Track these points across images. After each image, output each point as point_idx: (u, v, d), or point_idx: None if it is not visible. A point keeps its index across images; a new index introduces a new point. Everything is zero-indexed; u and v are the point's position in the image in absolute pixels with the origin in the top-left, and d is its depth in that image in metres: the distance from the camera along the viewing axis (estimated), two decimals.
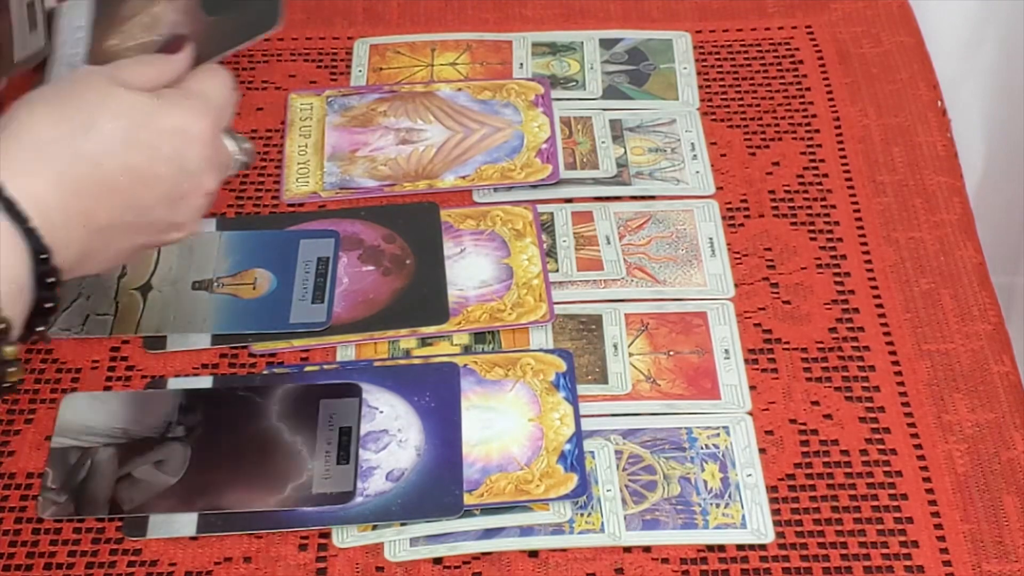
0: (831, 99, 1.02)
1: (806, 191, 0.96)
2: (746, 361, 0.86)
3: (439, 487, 0.79)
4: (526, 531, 0.78)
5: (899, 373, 0.85)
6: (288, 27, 1.08)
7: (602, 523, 0.79)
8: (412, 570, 0.77)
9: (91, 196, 0.71)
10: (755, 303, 0.89)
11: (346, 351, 0.87)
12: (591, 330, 0.88)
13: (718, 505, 0.79)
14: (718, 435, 0.82)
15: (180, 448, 0.81)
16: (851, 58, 1.05)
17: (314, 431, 0.82)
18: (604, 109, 1.01)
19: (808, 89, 1.02)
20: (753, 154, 0.98)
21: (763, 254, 0.92)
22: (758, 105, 1.01)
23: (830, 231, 0.93)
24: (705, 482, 0.80)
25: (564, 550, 0.78)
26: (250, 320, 0.88)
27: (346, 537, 0.78)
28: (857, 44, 1.06)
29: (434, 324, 0.88)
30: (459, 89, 1.02)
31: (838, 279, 0.90)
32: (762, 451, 0.82)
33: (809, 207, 0.95)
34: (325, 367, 0.86)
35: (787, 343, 0.87)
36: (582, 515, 0.79)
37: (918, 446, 0.82)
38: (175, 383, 0.85)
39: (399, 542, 0.78)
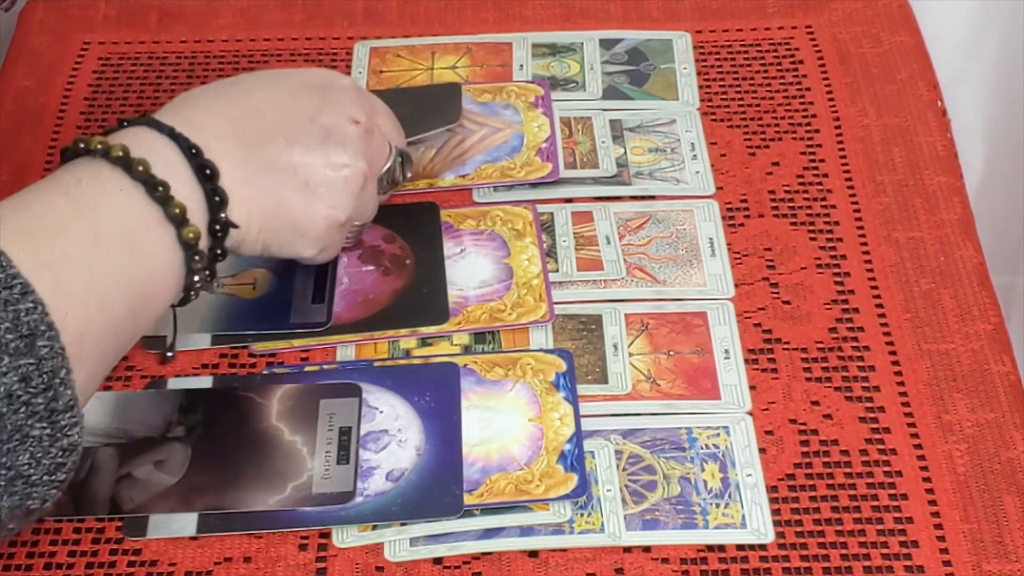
0: (831, 99, 1.02)
1: (806, 191, 0.96)
2: (746, 361, 0.86)
3: (439, 487, 0.79)
4: (526, 531, 0.78)
5: (899, 373, 0.85)
6: (288, 27, 1.08)
7: (602, 523, 0.79)
8: (412, 570, 0.77)
9: (241, 117, 0.80)
10: (755, 303, 0.89)
11: (346, 351, 0.87)
12: (591, 330, 0.88)
13: (718, 505, 0.79)
14: (718, 435, 0.82)
15: (180, 448, 0.81)
16: (851, 58, 1.05)
17: (314, 431, 0.82)
18: (604, 109, 1.01)
19: (808, 89, 1.03)
20: (753, 154, 0.98)
21: (763, 254, 0.92)
22: (758, 105, 1.01)
23: (830, 231, 0.93)
24: (705, 482, 0.80)
25: (564, 550, 0.78)
26: (250, 320, 0.88)
27: (346, 537, 0.78)
28: (857, 44, 1.06)
29: (434, 324, 0.88)
30: None
31: (838, 279, 0.90)
32: (762, 451, 0.82)
33: (809, 207, 0.95)
34: (325, 367, 0.86)
35: (787, 343, 0.87)
36: (582, 515, 0.79)
37: (918, 446, 0.82)
38: (175, 383, 0.85)
39: (399, 542, 0.78)
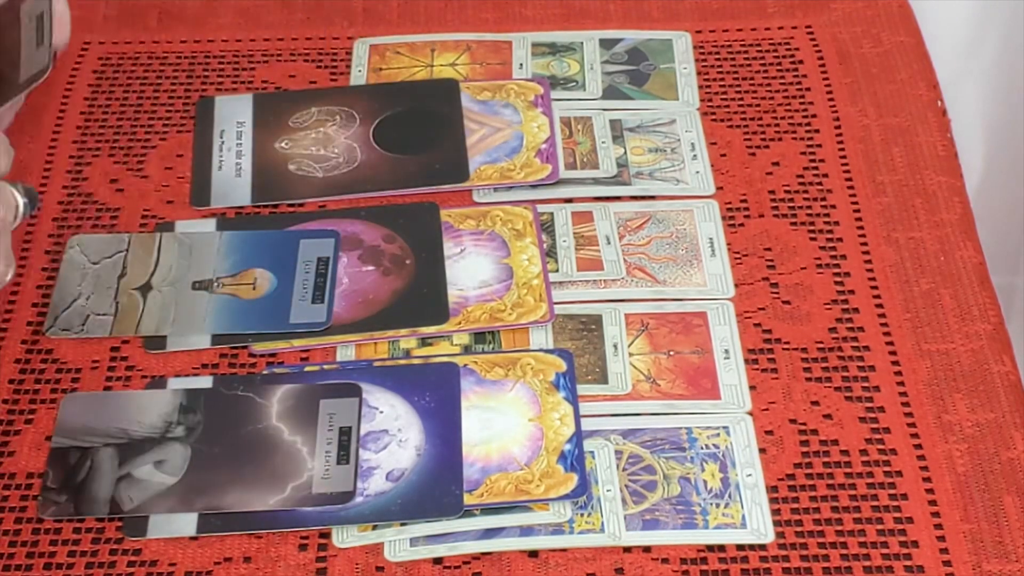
0: (831, 99, 1.02)
1: (806, 191, 0.96)
2: (746, 361, 0.86)
3: (439, 487, 0.79)
4: (526, 531, 0.78)
5: (899, 373, 0.85)
6: (288, 27, 1.08)
7: (602, 523, 0.79)
8: (412, 570, 0.77)
9: None
10: (755, 303, 0.89)
11: (346, 351, 0.87)
12: (591, 330, 0.88)
13: (718, 505, 0.79)
14: (718, 435, 0.82)
15: (180, 448, 0.81)
16: (851, 58, 1.05)
17: (314, 431, 0.82)
18: (604, 109, 1.01)
19: (808, 89, 1.03)
20: (753, 154, 0.98)
21: (763, 254, 0.92)
22: (758, 105, 1.01)
23: (830, 231, 0.93)
24: (705, 482, 0.80)
25: (564, 550, 0.78)
26: (250, 320, 0.88)
27: (346, 537, 0.78)
28: (857, 44, 1.06)
29: (434, 324, 0.88)
30: None
31: (838, 279, 0.90)
32: (762, 451, 0.82)
33: (809, 207, 0.95)
34: (325, 367, 0.86)
35: (787, 343, 0.87)
36: (582, 515, 0.79)
37: (918, 446, 0.82)
38: (175, 383, 0.85)
39: (399, 542, 0.78)
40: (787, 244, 0.92)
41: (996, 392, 0.84)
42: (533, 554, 0.78)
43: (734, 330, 0.88)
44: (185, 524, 0.79)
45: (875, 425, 0.83)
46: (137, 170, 0.98)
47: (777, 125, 1.00)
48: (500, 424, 0.83)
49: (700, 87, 1.03)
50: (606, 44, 1.06)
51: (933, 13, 1.24)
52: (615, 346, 0.87)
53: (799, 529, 0.78)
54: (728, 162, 0.98)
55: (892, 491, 0.80)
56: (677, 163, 0.97)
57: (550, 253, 0.92)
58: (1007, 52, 1.40)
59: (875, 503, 0.79)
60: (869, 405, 0.84)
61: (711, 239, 0.93)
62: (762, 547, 0.78)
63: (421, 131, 0.99)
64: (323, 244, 0.92)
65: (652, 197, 0.95)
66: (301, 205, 0.96)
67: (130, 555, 0.78)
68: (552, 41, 1.06)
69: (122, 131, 1.01)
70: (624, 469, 0.81)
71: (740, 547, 0.78)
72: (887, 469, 0.81)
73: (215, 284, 0.90)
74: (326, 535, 0.79)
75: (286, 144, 0.99)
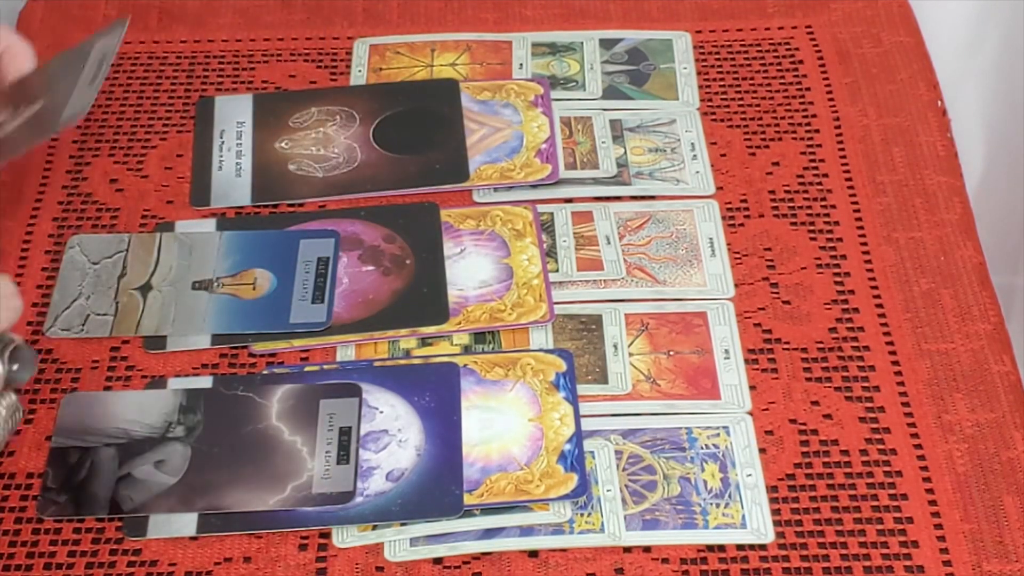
0: (831, 99, 1.02)
1: (806, 191, 0.96)
2: (746, 361, 0.86)
3: (439, 487, 0.79)
4: (526, 531, 0.78)
5: (899, 373, 0.85)
6: (288, 27, 1.08)
7: (602, 523, 0.79)
8: (412, 570, 0.77)
9: None
10: (755, 303, 0.89)
11: (346, 351, 0.87)
12: (591, 330, 0.88)
13: (718, 505, 0.79)
14: (718, 435, 0.82)
15: (180, 448, 0.81)
16: (851, 58, 1.05)
17: (314, 431, 0.82)
18: (604, 109, 1.01)
19: (808, 89, 1.03)
20: (753, 154, 0.98)
21: (763, 254, 0.92)
22: (758, 105, 1.01)
23: (830, 231, 0.93)
24: (705, 482, 0.80)
25: (564, 550, 0.78)
26: (250, 320, 0.88)
27: (346, 537, 0.78)
28: (857, 44, 1.06)
29: (434, 324, 0.88)
30: None
31: (838, 279, 0.90)
32: (762, 451, 0.82)
33: (809, 207, 0.95)
34: (325, 367, 0.86)
35: (787, 343, 0.87)
36: (582, 515, 0.79)
37: (918, 446, 0.82)
38: (175, 383, 0.85)
39: (399, 542, 0.78)
40: (787, 244, 0.92)
41: (996, 392, 0.84)
42: (533, 554, 0.78)
43: (734, 330, 0.88)
44: (185, 524, 0.79)
45: (875, 425, 0.83)
46: (137, 170, 0.98)
47: (777, 125, 1.00)
48: (500, 424, 0.83)
49: (700, 87, 1.03)
50: (606, 44, 1.06)
51: (933, 13, 1.24)
52: (615, 346, 0.87)
53: (799, 529, 0.78)
54: (728, 162, 0.98)
55: (892, 491, 0.80)
56: (677, 163, 0.97)
57: (550, 253, 0.92)
58: (1007, 52, 1.39)
59: (875, 503, 0.79)
60: (869, 405, 0.84)
61: (711, 239, 0.93)
62: (762, 547, 0.78)
63: (421, 131, 0.99)
64: (323, 244, 0.92)
65: (652, 197, 0.95)
66: (301, 205, 0.96)
67: (130, 555, 0.78)
68: (552, 41, 1.06)
69: (122, 131, 1.01)
70: (624, 469, 0.81)
71: (740, 547, 0.78)
72: (887, 469, 0.81)
73: (215, 284, 0.90)
74: (326, 535, 0.79)
75: (286, 144, 0.99)
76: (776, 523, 0.78)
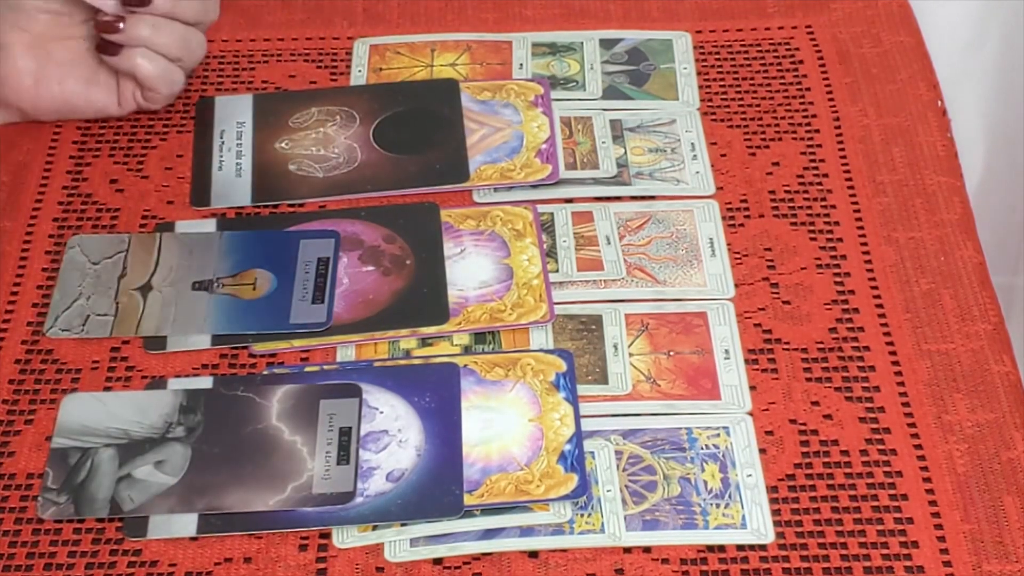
0: (831, 99, 1.02)
1: (806, 191, 0.96)
2: (746, 361, 0.86)
3: (439, 487, 0.79)
4: (526, 531, 0.78)
5: (899, 373, 0.85)
6: (288, 27, 1.08)
7: (602, 523, 0.79)
8: (412, 570, 0.77)
9: None
10: (755, 303, 0.89)
11: (346, 351, 0.87)
12: (591, 330, 0.88)
13: (718, 505, 0.79)
14: (718, 435, 0.82)
15: (180, 448, 0.81)
16: (851, 58, 1.05)
17: (314, 431, 0.82)
18: (604, 109, 1.01)
19: (808, 89, 1.03)
20: (753, 154, 0.98)
21: (763, 254, 0.92)
22: (758, 105, 1.01)
23: (830, 231, 0.93)
24: (705, 482, 0.80)
25: (564, 550, 0.78)
26: (250, 320, 0.88)
27: (346, 537, 0.78)
28: (857, 44, 1.06)
29: (434, 324, 0.88)
30: None
31: (838, 279, 0.90)
32: (762, 451, 0.82)
33: (809, 207, 0.95)
34: (325, 367, 0.86)
35: (787, 343, 0.87)
36: (582, 515, 0.79)
37: (918, 446, 0.82)
38: (175, 383, 0.85)
39: (399, 542, 0.78)
40: (787, 244, 0.92)
41: (996, 392, 0.84)
42: (533, 554, 0.78)
43: (734, 330, 0.88)
44: (185, 524, 0.79)
45: (875, 425, 0.83)
46: (137, 170, 0.98)
47: (777, 125, 1.00)
48: (500, 424, 0.83)
49: (700, 87, 1.03)
50: (606, 44, 1.06)
51: (933, 13, 1.24)
52: (615, 346, 0.87)
53: (799, 529, 0.78)
54: (728, 162, 0.98)
55: (892, 491, 0.80)
56: (677, 163, 0.97)
57: (550, 253, 0.92)
58: (1007, 52, 1.40)
59: (875, 503, 0.79)
60: (869, 405, 0.84)
61: (711, 239, 0.93)
62: (762, 547, 0.78)
63: (421, 131, 0.99)
64: (323, 244, 0.92)
65: (652, 197, 0.95)
66: (301, 205, 0.96)
67: (130, 555, 0.78)
68: (552, 41, 1.06)
69: (122, 131, 1.01)
70: (624, 469, 0.81)
71: (740, 547, 0.78)
72: (887, 469, 0.81)
73: (215, 284, 0.90)
74: (326, 535, 0.79)
75: (286, 144, 0.99)
76: (776, 523, 0.78)
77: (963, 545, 0.77)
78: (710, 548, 0.78)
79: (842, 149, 0.98)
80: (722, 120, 1.01)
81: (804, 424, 0.83)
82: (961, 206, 0.95)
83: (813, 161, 0.97)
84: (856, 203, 0.95)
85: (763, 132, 1.00)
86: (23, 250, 0.93)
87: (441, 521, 0.79)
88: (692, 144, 0.99)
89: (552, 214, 0.94)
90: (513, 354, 0.86)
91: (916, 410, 0.84)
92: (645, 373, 0.85)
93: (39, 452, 0.82)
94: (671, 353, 0.87)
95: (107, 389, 0.85)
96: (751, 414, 0.84)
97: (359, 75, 1.04)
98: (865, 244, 0.92)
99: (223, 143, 0.99)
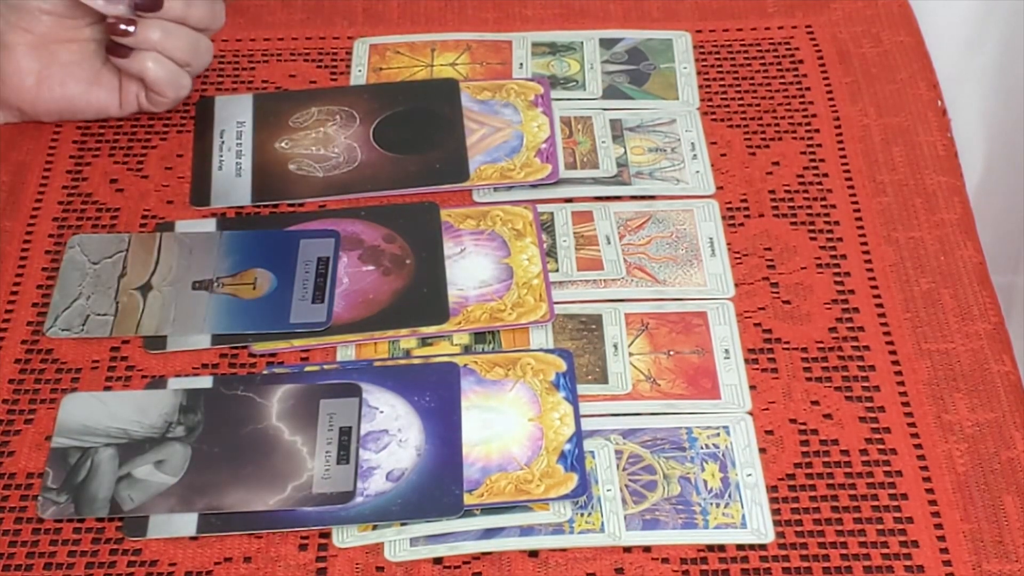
0: (831, 99, 1.02)
1: (806, 191, 0.96)
2: (746, 361, 0.86)
3: (439, 487, 0.79)
4: (526, 531, 0.78)
5: (899, 373, 0.85)
6: (288, 27, 1.08)
7: (602, 523, 0.79)
8: (412, 570, 0.77)
9: None
10: (755, 303, 0.89)
11: (346, 351, 0.87)
12: (591, 330, 0.88)
13: (718, 505, 0.79)
14: (718, 435, 0.82)
15: (180, 448, 0.81)
16: (851, 58, 1.05)
17: (314, 431, 0.82)
18: (604, 109, 1.01)
19: (808, 89, 1.03)
20: (753, 154, 0.98)
21: (763, 254, 0.92)
22: (758, 105, 1.01)
23: (830, 231, 0.93)
24: (705, 482, 0.80)
25: (564, 550, 0.78)
26: (250, 320, 0.88)
27: (346, 537, 0.78)
28: (857, 44, 1.06)
29: (434, 324, 0.88)
30: None
31: (838, 279, 0.90)
32: (762, 451, 0.82)
33: (809, 207, 0.95)
34: (325, 367, 0.86)
35: (787, 343, 0.87)
36: (582, 515, 0.79)
37: (918, 446, 0.82)
38: (175, 383, 0.85)
39: (399, 542, 0.78)
40: (787, 244, 0.92)
41: (996, 392, 0.84)
42: (533, 554, 0.78)
43: (734, 330, 0.88)
44: (185, 524, 0.79)
45: (875, 425, 0.83)
46: (137, 170, 0.98)
47: (777, 125, 1.00)
48: (500, 424, 0.83)
49: (700, 87, 1.03)
50: (606, 44, 1.06)
51: (933, 13, 1.24)
52: (615, 346, 0.87)
53: (799, 529, 0.78)
54: (728, 162, 0.98)
55: (892, 491, 0.80)
56: (677, 163, 0.97)
57: (550, 253, 0.92)
58: (1007, 52, 1.40)
59: (875, 503, 0.79)
60: (869, 405, 0.84)
61: (711, 239, 0.93)
62: (762, 547, 0.78)
63: (421, 131, 0.99)
64: (323, 244, 0.92)
65: (652, 197, 0.95)
66: (301, 205, 0.96)
67: (130, 555, 0.78)
68: (552, 41, 1.06)
69: (122, 131, 1.01)
70: (624, 469, 0.81)
71: (740, 547, 0.78)
72: (887, 469, 0.81)
73: (215, 284, 0.90)
74: (326, 535, 0.79)
75: (286, 144, 0.99)
76: (776, 523, 0.78)
77: (963, 544, 0.77)
78: (710, 547, 0.78)
79: (842, 149, 0.98)
80: (722, 120, 1.01)
81: (804, 424, 0.83)
82: (961, 206, 0.95)
83: (813, 161, 0.98)
84: (856, 203, 0.95)
85: (763, 132, 1.00)
86: (23, 250, 0.93)
87: (441, 521, 0.78)
88: (692, 144, 0.99)
89: (552, 214, 0.94)
90: (513, 354, 0.86)
91: (916, 410, 0.84)
92: (645, 373, 0.85)
93: (39, 452, 0.82)
94: (671, 353, 0.87)
95: (107, 389, 0.85)
96: (751, 414, 0.84)
97: (359, 75, 1.04)
98: (865, 244, 0.92)
99: (223, 143, 0.99)
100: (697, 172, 0.97)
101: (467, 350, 0.87)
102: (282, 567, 0.77)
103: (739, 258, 0.92)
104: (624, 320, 0.88)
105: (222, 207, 0.95)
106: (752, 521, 0.79)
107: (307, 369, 0.86)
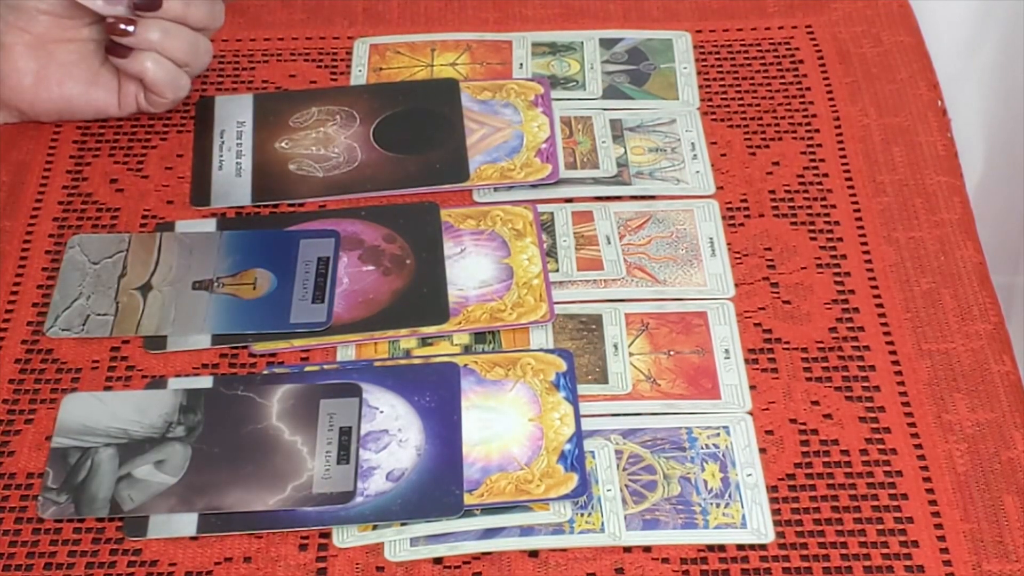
0: (831, 99, 1.02)
1: (806, 191, 0.96)
2: (746, 361, 0.86)
3: (439, 487, 0.79)
4: (526, 531, 0.78)
5: (899, 373, 0.85)
6: (288, 27, 1.08)
7: (602, 523, 0.79)
8: (412, 570, 0.77)
9: None
10: (755, 303, 0.89)
11: (346, 351, 0.87)
12: (591, 330, 0.88)
13: (718, 505, 0.79)
14: (718, 435, 0.82)
15: (180, 448, 0.81)
16: (851, 58, 1.05)
17: (314, 431, 0.82)
18: (604, 109, 1.01)
19: (808, 89, 1.03)
20: (753, 154, 0.98)
21: (763, 254, 0.92)
22: (758, 105, 1.01)
23: (830, 231, 0.93)
24: (705, 482, 0.80)
25: (564, 550, 0.78)
26: (250, 320, 0.88)
27: (346, 537, 0.78)
28: (857, 44, 1.06)
29: (434, 324, 0.88)
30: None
31: (838, 279, 0.90)
32: (762, 451, 0.82)
33: (809, 207, 0.95)
34: (325, 367, 0.86)
35: (787, 343, 0.87)
36: (582, 515, 0.79)
37: (918, 446, 0.82)
38: (175, 383, 0.85)
39: (399, 542, 0.78)
40: (787, 244, 0.92)
41: (996, 392, 0.84)
42: (533, 554, 0.78)
43: (734, 330, 0.88)
44: (185, 524, 0.79)
45: (875, 425, 0.83)
46: (137, 170, 0.98)
47: (777, 125, 1.00)
48: (500, 424, 0.83)
49: (700, 87, 1.03)
50: (606, 44, 1.06)
51: (933, 13, 1.24)
52: (615, 346, 0.87)
53: (799, 529, 0.78)
54: (728, 162, 0.98)
55: (892, 491, 0.80)
56: (677, 163, 0.97)
57: (550, 253, 0.92)
58: (1007, 52, 1.40)
59: (875, 503, 0.79)
60: (869, 405, 0.84)
61: (711, 239, 0.93)
62: (762, 547, 0.78)
63: (421, 131, 0.99)
64: (323, 244, 0.92)
65: (652, 197, 0.95)
66: (301, 205, 0.96)
67: (130, 555, 0.78)
68: (552, 41, 1.06)
69: (122, 131, 1.01)
70: (624, 469, 0.81)
71: (740, 547, 0.78)
72: (887, 469, 0.81)
73: (215, 284, 0.90)
74: (326, 535, 0.79)
75: (286, 144, 0.99)
76: (776, 523, 0.78)
77: (963, 544, 0.77)
78: (710, 547, 0.78)
79: (842, 149, 0.98)
80: (722, 120, 1.01)
81: (804, 424, 0.83)
82: (961, 206, 0.95)
83: (813, 161, 0.98)
84: (856, 203, 0.95)
85: (763, 132, 1.00)
86: (23, 250, 0.93)
87: (441, 521, 0.78)
88: (692, 144, 0.99)
89: (552, 214, 0.94)
90: (513, 354, 0.86)
91: (916, 410, 0.84)
92: (645, 373, 0.85)
93: (39, 452, 0.82)
94: (671, 353, 0.87)
95: (107, 389, 0.85)
96: (751, 414, 0.84)
97: (359, 75, 1.04)
98: (865, 244, 0.92)
99: (223, 143, 0.99)
100: (697, 172, 0.97)
101: (467, 350, 0.87)
102: (282, 567, 0.77)
103: (739, 258, 0.92)
104: (624, 320, 0.88)
105: (222, 207, 0.95)
106: (752, 521, 0.79)
107: (307, 369, 0.86)
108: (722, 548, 0.78)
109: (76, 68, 0.98)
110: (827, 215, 0.94)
